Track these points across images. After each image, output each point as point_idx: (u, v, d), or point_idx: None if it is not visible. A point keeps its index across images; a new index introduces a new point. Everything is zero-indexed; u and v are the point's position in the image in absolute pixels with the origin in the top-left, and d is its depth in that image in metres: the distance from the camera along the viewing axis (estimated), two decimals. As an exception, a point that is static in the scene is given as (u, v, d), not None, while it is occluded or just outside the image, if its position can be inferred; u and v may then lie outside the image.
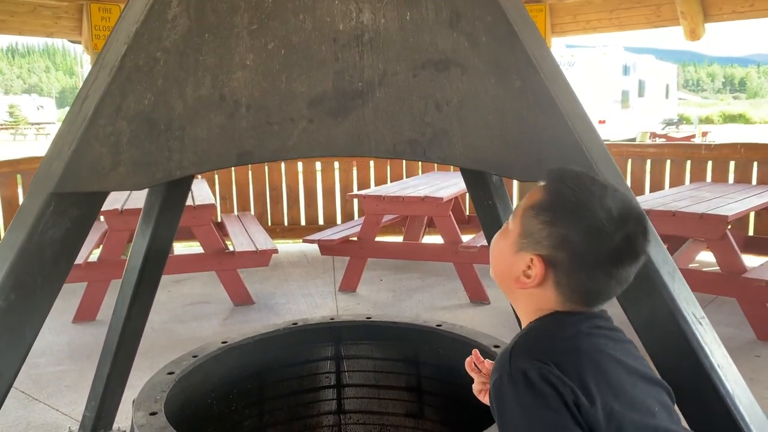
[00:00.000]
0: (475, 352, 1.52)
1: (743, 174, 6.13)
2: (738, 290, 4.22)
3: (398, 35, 1.58)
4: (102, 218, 4.96)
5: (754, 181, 6.03)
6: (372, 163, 7.27)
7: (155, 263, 2.59)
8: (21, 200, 5.87)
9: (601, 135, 1.77)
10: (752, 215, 5.92)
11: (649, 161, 6.67)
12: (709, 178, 6.30)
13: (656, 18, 6.77)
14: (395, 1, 1.58)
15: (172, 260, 4.91)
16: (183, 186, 2.53)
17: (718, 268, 4.47)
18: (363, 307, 5.02)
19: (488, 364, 1.48)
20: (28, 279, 1.60)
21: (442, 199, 4.97)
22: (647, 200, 4.91)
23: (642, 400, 1.17)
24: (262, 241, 5.25)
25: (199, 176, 6.43)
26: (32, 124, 42.86)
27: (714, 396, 1.57)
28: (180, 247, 6.29)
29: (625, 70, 27.09)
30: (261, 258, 4.97)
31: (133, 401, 1.93)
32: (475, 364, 1.51)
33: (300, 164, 7.22)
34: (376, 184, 7.10)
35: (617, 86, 26.27)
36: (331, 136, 1.57)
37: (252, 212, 7.00)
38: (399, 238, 6.34)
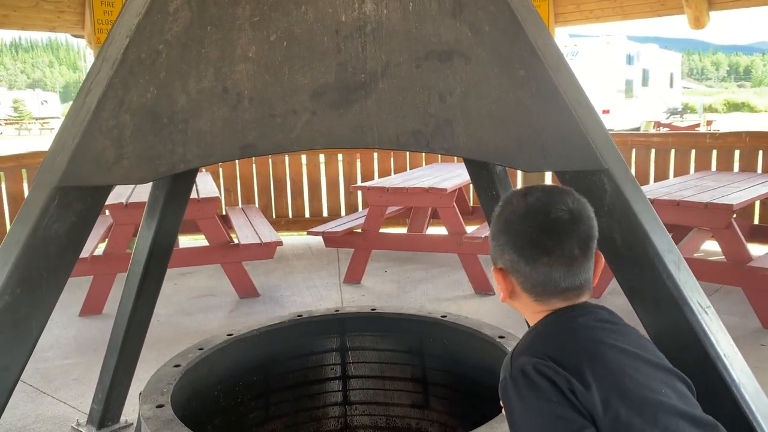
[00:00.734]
0: None
1: (748, 163, 6.09)
2: (743, 279, 4.21)
3: (401, 26, 1.58)
4: (107, 212, 4.97)
5: (759, 170, 5.99)
6: (376, 154, 7.26)
7: (160, 256, 2.60)
8: (26, 195, 5.88)
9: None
10: (757, 204, 5.90)
11: (653, 150, 6.64)
12: (713, 167, 6.27)
13: (660, 6, 6.74)
14: (397, -9, 1.57)
15: (177, 253, 4.92)
16: (187, 179, 2.53)
17: (724, 257, 4.45)
18: (368, 298, 5.02)
19: None
20: (34, 273, 1.60)
21: (445, 190, 4.97)
22: (651, 190, 4.89)
23: (645, 382, 1.20)
24: (267, 233, 5.25)
25: (204, 169, 6.43)
26: (36, 118, 42.89)
27: (720, 385, 1.57)
28: (185, 240, 6.30)
29: (629, 60, 26.95)
30: (266, 250, 4.97)
31: (140, 394, 1.94)
32: None
33: (304, 156, 7.21)
34: (380, 176, 7.09)
35: (621, 76, 26.15)
36: (334, 128, 1.57)
37: (256, 205, 7.01)
38: (403, 230, 6.34)
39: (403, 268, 5.78)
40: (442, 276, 5.53)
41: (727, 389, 1.56)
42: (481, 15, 1.57)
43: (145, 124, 1.53)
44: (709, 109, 43.90)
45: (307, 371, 2.58)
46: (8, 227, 5.48)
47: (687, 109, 34.82)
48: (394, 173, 6.99)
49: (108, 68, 1.57)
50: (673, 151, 6.51)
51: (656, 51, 30.61)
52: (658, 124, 23.77)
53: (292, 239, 6.91)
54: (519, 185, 6.85)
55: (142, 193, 4.70)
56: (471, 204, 6.74)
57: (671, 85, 31.78)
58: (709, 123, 24.08)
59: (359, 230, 5.38)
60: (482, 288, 5.01)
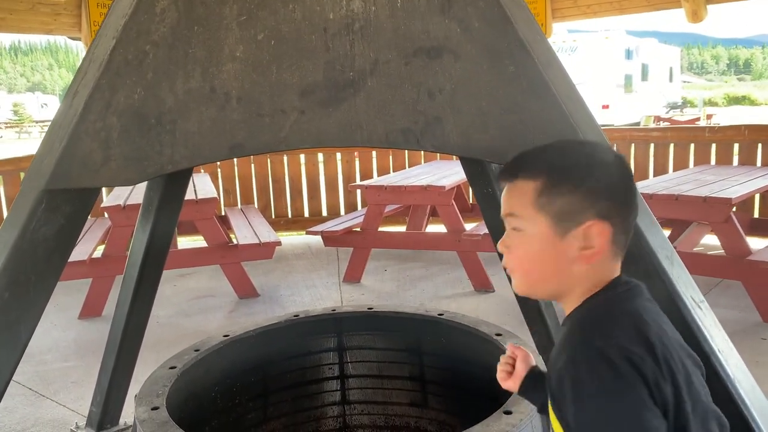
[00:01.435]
0: (510, 344, 1.51)
1: (748, 156, 6.08)
2: (743, 273, 4.20)
3: (389, 23, 1.56)
4: (105, 214, 4.97)
5: (758, 163, 5.98)
6: (374, 153, 7.25)
7: (156, 258, 2.59)
8: (24, 198, 5.87)
9: (603, 120, 1.75)
10: (757, 197, 5.89)
11: (652, 145, 6.62)
12: (713, 161, 6.26)
13: (658, 0, 6.72)
14: (386, -12, 1.56)
15: (176, 254, 4.93)
16: (181, 180, 2.52)
17: (723, 251, 4.44)
18: (367, 297, 5.01)
19: (517, 349, 1.48)
20: (22, 277, 1.59)
21: (444, 187, 4.96)
22: (651, 184, 4.88)
23: (698, 381, 1.14)
24: (266, 233, 5.25)
25: (202, 170, 6.43)
26: (36, 122, 42.93)
27: (715, 380, 1.55)
28: (184, 242, 6.30)
29: (628, 54, 26.89)
30: (264, 250, 4.97)
31: (135, 396, 1.93)
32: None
33: (302, 156, 7.22)
34: (379, 174, 7.09)
35: (620, 70, 26.08)
36: (322, 127, 1.56)
37: (255, 205, 7.01)
38: (402, 228, 6.33)
39: (403, 267, 5.78)
40: (441, 274, 5.53)
41: (722, 385, 1.54)
42: (470, 11, 1.56)
43: (133, 126, 1.52)
44: (709, 102, 43.86)
45: (305, 371, 2.58)
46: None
47: (687, 103, 34.76)
48: (393, 171, 6.98)
49: (95, 70, 1.56)
50: (672, 146, 6.49)
51: (655, 45, 30.54)
52: (657, 119, 23.74)
53: (292, 239, 6.91)
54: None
55: (140, 194, 4.68)
56: (470, 201, 6.73)
57: (671, 80, 31.72)
58: (709, 117, 24.02)
59: (358, 229, 5.37)
60: (482, 285, 5.00)
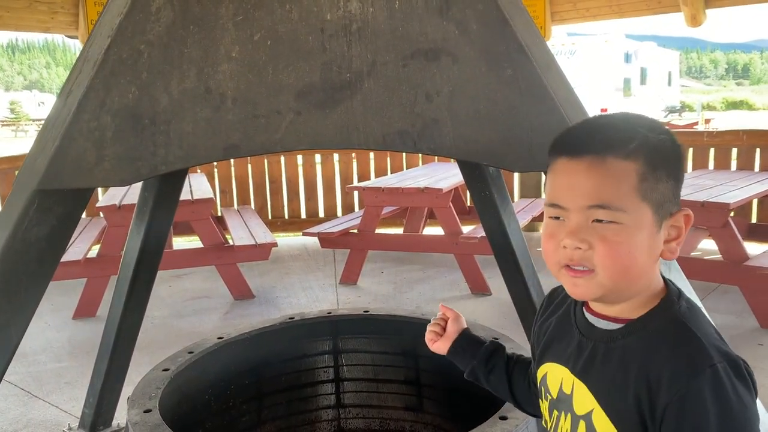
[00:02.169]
0: (442, 305, 1.48)
1: (746, 161, 6.08)
2: (740, 278, 4.19)
3: (387, 24, 1.55)
4: (101, 214, 4.94)
5: (756, 168, 5.97)
6: (372, 154, 7.24)
7: (150, 258, 2.57)
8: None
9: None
10: (755, 202, 5.88)
11: (651, 149, 6.61)
12: (711, 166, 6.25)
13: (657, 4, 6.71)
14: (383, -11, 1.54)
15: (171, 255, 4.91)
16: (177, 180, 2.50)
17: (721, 256, 4.43)
18: (364, 299, 5.00)
19: (448, 310, 1.47)
20: (13, 279, 1.57)
21: (441, 190, 4.94)
22: (648, 188, 4.86)
23: None
24: (262, 234, 5.23)
25: (198, 170, 6.41)
26: (33, 120, 42.90)
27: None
28: (180, 242, 6.28)
29: (627, 58, 26.96)
30: (260, 252, 4.95)
31: (128, 398, 1.92)
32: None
33: (300, 157, 7.20)
34: (377, 176, 7.07)
35: (619, 74, 26.17)
36: (319, 129, 1.54)
37: (252, 206, 6.98)
38: (400, 230, 6.31)
39: (400, 269, 5.76)
40: (438, 276, 5.51)
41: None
42: (468, 13, 1.55)
43: (127, 126, 1.51)
44: (708, 107, 43.93)
45: (300, 374, 2.56)
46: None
47: (685, 107, 34.83)
48: (391, 173, 6.97)
49: (89, 69, 1.54)
50: (670, 150, 6.48)
51: (654, 49, 30.62)
52: (656, 123, 23.71)
53: (288, 240, 6.89)
54: (515, 185, 6.84)
55: (135, 194, 4.66)
56: (468, 204, 6.72)
57: (669, 84, 31.82)
58: (707, 121, 24.09)
59: (355, 231, 5.35)
60: (479, 288, 4.98)
